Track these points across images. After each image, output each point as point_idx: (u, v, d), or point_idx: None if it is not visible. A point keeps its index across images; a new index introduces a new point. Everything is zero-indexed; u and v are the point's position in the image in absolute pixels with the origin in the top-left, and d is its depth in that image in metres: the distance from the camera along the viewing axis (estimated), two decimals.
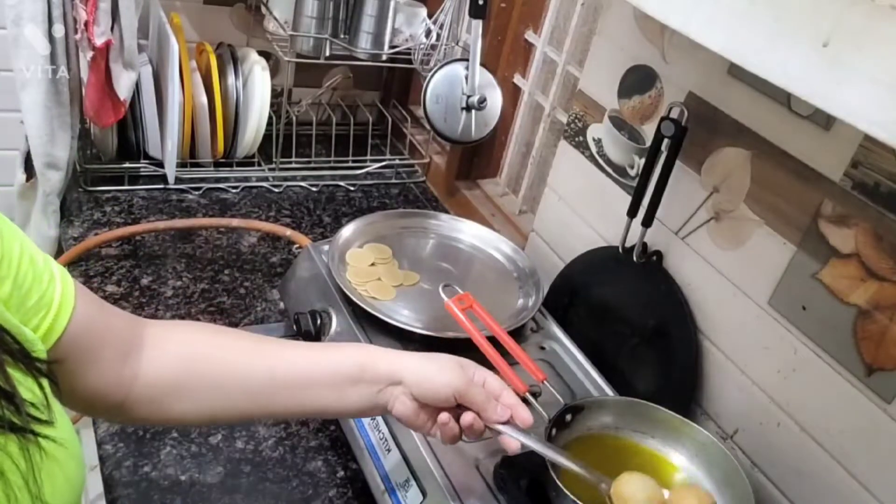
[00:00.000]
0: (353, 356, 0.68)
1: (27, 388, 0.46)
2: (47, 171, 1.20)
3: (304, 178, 1.49)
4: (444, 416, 0.67)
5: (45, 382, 0.47)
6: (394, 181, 1.58)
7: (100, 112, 1.24)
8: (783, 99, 0.82)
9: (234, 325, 1.11)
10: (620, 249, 1.01)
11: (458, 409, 0.68)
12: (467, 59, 1.34)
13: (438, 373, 0.67)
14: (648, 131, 1.00)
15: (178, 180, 1.36)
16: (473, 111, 1.38)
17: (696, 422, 0.83)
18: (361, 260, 1.03)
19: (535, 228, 1.24)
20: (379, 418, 0.84)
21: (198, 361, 0.62)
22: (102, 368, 0.57)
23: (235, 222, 1.30)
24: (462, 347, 0.87)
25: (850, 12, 0.43)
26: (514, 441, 0.68)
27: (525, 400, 0.80)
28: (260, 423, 0.95)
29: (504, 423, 0.68)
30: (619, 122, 1.05)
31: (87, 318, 0.54)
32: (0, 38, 1.17)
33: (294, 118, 1.52)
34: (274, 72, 1.45)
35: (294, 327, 0.97)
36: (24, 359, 0.45)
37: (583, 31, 1.27)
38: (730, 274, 0.90)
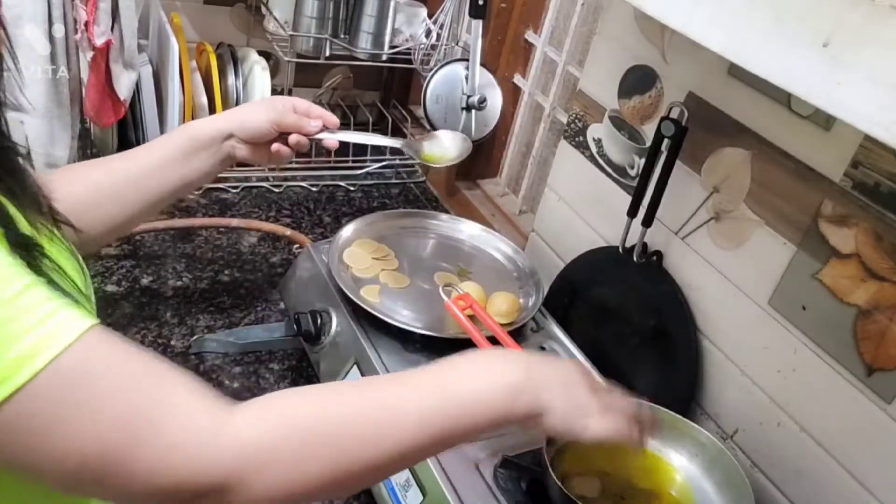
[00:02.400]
0: (180, 133, 0.85)
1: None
2: (47, 171, 1.20)
3: (304, 178, 1.49)
4: (274, 146, 0.87)
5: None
6: (394, 181, 1.58)
7: (100, 112, 1.24)
8: (783, 99, 0.82)
9: (235, 324, 1.11)
10: (620, 249, 1.01)
11: (282, 136, 0.87)
12: (467, 59, 1.34)
13: (255, 114, 0.85)
14: (648, 131, 1.00)
15: None
16: (473, 111, 1.38)
17: (696, 422, 0.83)
18: (362, 259, 1.03)
19: (535, 228, 1.24)
20: None
21: (99, 188, 0.79)
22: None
23: (235, 222, 1.30)
24: (462, 347, 0.87)
25: (850, 12, 0.43)
26: (333, 141, 0.90)
27: None
28: None
29: (321, 132, 0.89)
30: (619, 122, 1.05)
31: None
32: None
33: None
34: (274, 72, 1.45)
35: (294, 327, 0.97)
36: (45, 199, 0.57)
37: (583, 31, 1.27)
38: (730, 274, 0.90)
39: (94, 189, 0.78)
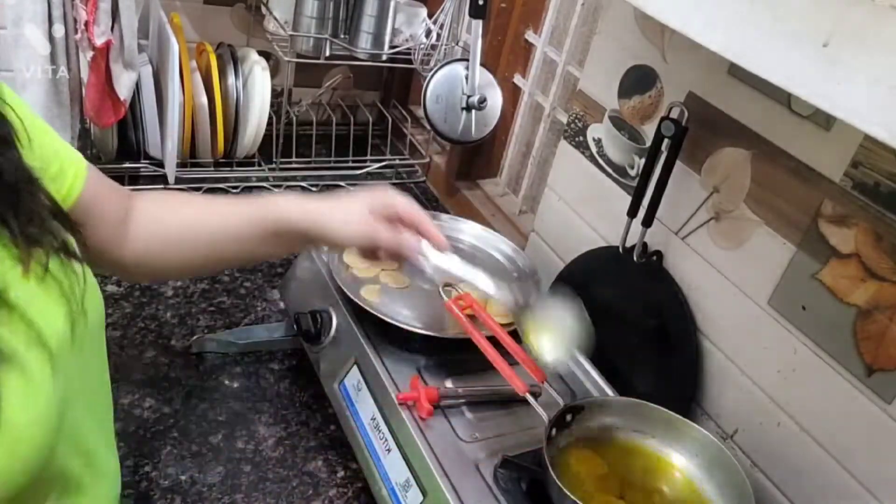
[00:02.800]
0: (269, 213, 0.76)
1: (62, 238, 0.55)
2: None
3: (304, 178, 1.49)
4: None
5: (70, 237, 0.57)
6: (394, 181, 1.58)
7: (100, 112, 1.24)
8: (783, 99, 0.82)
9: (235, 324, 1.11)
10: (620, 249, 1.01)
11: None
12: (467, 59, 1.34)
13: (344, 227, 0.74)
14: (648, 131, 1.00)
15: (178, 180, 1.36)
16: (473, 111, 1.38)
17: (696, 422, 0.83)
18: (361, 260, 1.03)
19: (535, 228, 1.24)
20: (379, 418, 0.84)
21: (165, 226, 0.75)
22: (103, 230, 0.67)
23: None
24: (462, 347, 0.87)
25: (850, 12, 0.43)
26: (429, 267, 0.76)
27: (525, 400, 0.80)
28: (260, 423, 0.95)
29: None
30: (619, 122, 1.05)
31: (94, 187, 0.64)
32: (0, 38, 1.17)
33: (294, 118, 1.52)
34: (274, 72, 1.45)
35: (294, 327, 0.97)
36: (62, 215, 0.55)
37: (583, 31, 1.27)
38: (730, 274, 0.90)
39: (179, 227, 0.75)
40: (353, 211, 0.75)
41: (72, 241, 0.56)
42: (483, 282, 0.76)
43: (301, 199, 0.76)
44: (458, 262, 0.76)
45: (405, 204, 0.76)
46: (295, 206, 0.75)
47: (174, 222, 0.75)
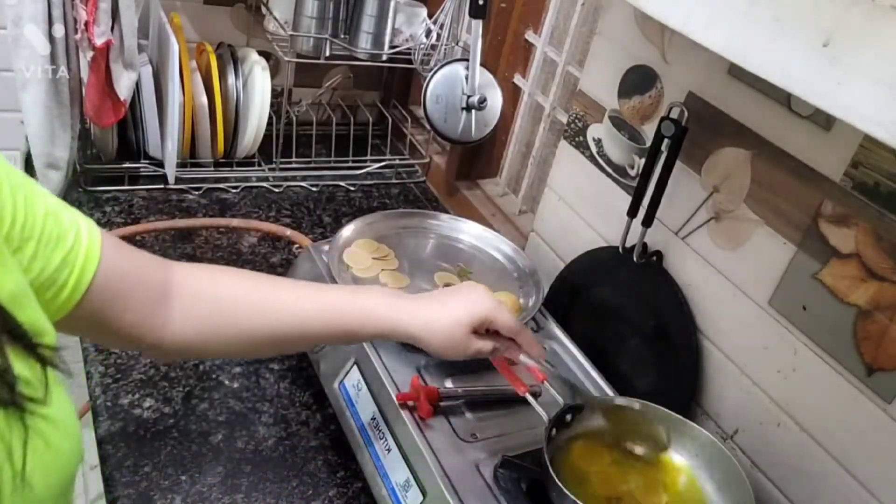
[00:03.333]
0: (370, 324, 0.71)
1: (29, 366, 0.46)
2: (47, 171, 1.20)
3: (304, 178, 1.49)
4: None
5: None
6: (394, 181, 1.58)
7: (100, 112, 1.24)
8: (783, 99, 0.82)
9: None
10: (620, 249, 1.01)
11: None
12: (467, 59, 1.34)
13: (441, 345, 0.72)
14: (648, 131, 1.00)
15: (178, 180, 1.36)
16: (473, 111, 1.38)
17: (696, 422, 0.83)
18: (362, 259, 1.03)
19: (535, 228, 1.24)
20: (379, 418, 0.84)
21: (224, 311, 0.67)
22: (134, 313, 0.61)
23: (235, 222, 1.30)
24: None
25: (850, 12, 0.43)
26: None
27: (525, 400, 0.80)
28: (260, 423, 0.95)
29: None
30: (619, 122, 1.05)
31: (114, 269, 0.57)
32: (0, 38, 1.17)
33: (294, 118, 1.52)
34: (274, 72, 1.45)
35: None
36: (25, 343, 0.46)
37: (583, 31, 1.27)
38: (730, 274, 0.90)
39: (239, 312, 0.67)
40: (448, 326, 0.72)
41: (39, 375, 0.46)
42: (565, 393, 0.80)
43: (388, 300, 0.72)
44: (550, 370, 0.80)
45: (506, 319, 0.75)
46: (384, 314, 0.71)
47: (236, 305, 0.67)
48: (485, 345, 0.74)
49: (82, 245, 0.55)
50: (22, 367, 0.45)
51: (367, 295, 0.73)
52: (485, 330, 0.75)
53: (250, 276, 0.74)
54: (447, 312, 0.72)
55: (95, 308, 0.56)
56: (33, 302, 0.49)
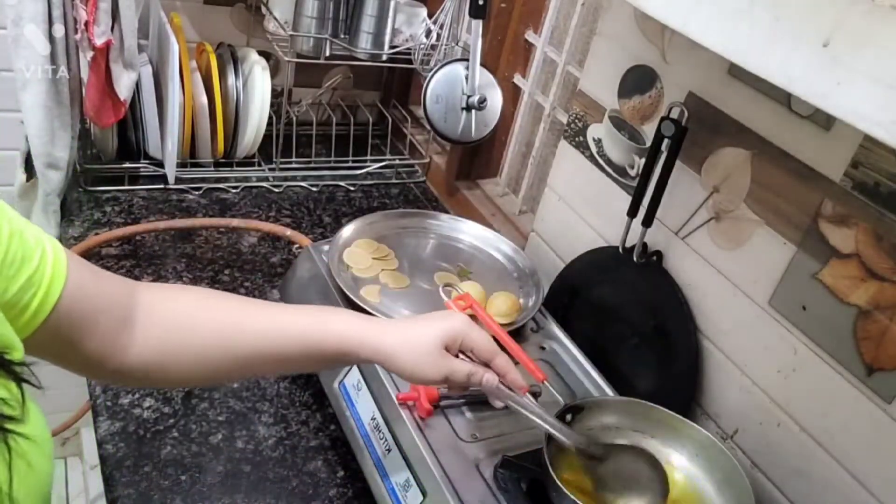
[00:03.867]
0: (334, 342, 0.68)
1: (2, 384, 0.46)
2: (47, 171, 1.20)
3: (304, 178, 1.49)
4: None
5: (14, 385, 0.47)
6: (394, 181, 1.58)
7: (100, 112, 1.24)
8: (783, 99, 0.82)
9: None
10: (620, 249, 1.01)
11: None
12: (467, 59, 1.34)
13: (415, 367, 0.68)
14: (648, 131, 1.00)
15: (178, 180, 1.36)
16: (473, 111, 1.38)
17: (696, 422, 0.83)
18: (362, 259, 1.03)
19: (535, 228, 1.24)
20: (379, 418, 0.84)
21: (184, 332, 0.64)
22: (99, 336, 0.58)
23: (235, 222, 1.30)
24: None
25: (850, 12, 0.43)
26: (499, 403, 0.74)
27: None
28: (260, 423, 0.95)
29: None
30: (619, 122, 1.05)
31: (79, 290, 0.55)
32: (0, 38, 1.17)
33: (294, 118, 1.52)
34: (274, 72, 1.45)
35: None
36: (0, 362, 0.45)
37: (583, 31, 1.27)
38: (730, 274, 0.90)
39: (205, 336, 0.64)
40: (424, 349, 0.68)
41: (15, 392, 0.46)
42: (551, 424, 0.73)
43: (360, 323, 0.69)
44: (530, 401, 0.74)
45: (482, 341, 0.71)
46: (357, 338, 0.67)
47: (200, 327, 0.64)
48: (460, 366, 0.70)
49: (48, 265, 0.53)
50: None
51: (335, 317, 0.70)
52: (459, 353, 0.72)
53: (217, 296, 0.70)
54: (418, 329, 0.69)
55: (59, 330, 0.55)
56: (0, 319, 0.48)
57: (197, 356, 0.64)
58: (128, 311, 0.61)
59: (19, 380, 0.47)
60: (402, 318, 0.74)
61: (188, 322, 0.64)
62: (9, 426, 0.44)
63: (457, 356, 0.71)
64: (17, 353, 0.49)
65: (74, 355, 0.58)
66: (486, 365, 0.72)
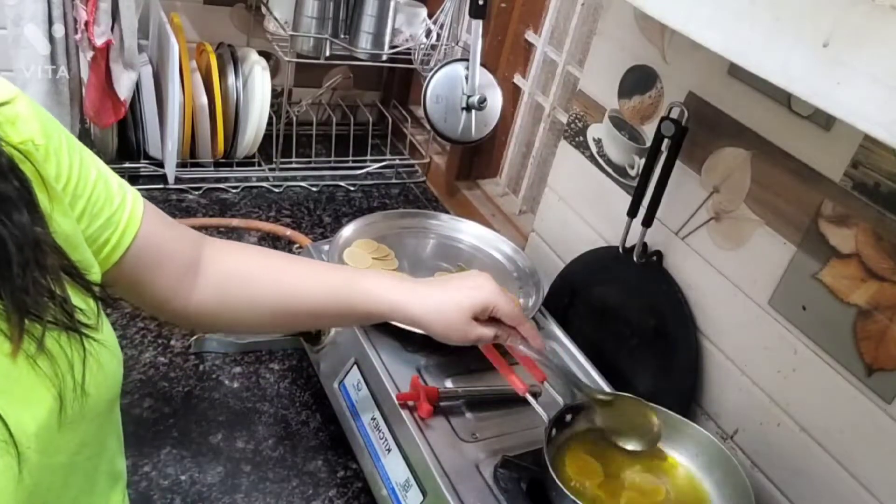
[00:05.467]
0: (362, 302, 0.73)
1: (82, 298, 0.53)
2: None
3: (304, 178, 1.49)
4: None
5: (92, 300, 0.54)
6: (394, 181, 1.58)
7: (100, 112, 1.24)
8: (783, 99, 0.82)
9: None
10: (620, 249, 1.01)
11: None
12: (467, 59, 1.34)
13: (440, 327, 0.73)
14: (648, 131, 1.00)
15: (178, 180, 1.36)
16: (473, 111, 1.38)
17: (696, 422, 0.83)
18: (362, 259, 1.03)
19: (535, 228, 1.24)
20: (379, 418, 0.84)
21: (239, 285, 0.72)
22: (165, 279, 0.66)
23: (235, 222, 1.31)
24: (462, 347, 0.87)
25: (850, 12, 0.43)
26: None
27: (525, 400, 0.80)
28: (260, 423, 0.95)
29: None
30: (619, 122, 1.05)
31: (152, 236, 0.63)
32: (0, 38, 1.17)
33: (294, 118, 1.52)
34: (274, 72, 1.45)
35: None
36: (80, 279, 0.52)
37: (583, 31, 1.27)
38: (730, 274, 0.90)
39: (255, 287, 0.72)
40: (454, 317, 0.73)
41: (92, 306, 0.53)
42: (570, 375, 0.81)
43: (390, 282, 0.74)
44: (549, 362, 0.80)
45: (508, 307, 0.75)
46: (386, 296, 0.72)
47: (251, 280, 0.72)
48: (486, 331, 0.75)
49: (125, 210, 0.60)
50: (77, 298, 0.52)
51: (370, 276, 0.75)
52: (488, 317, 0.76)
53: (270, 254, 0.81)
54: (448, 296, 0.74)
55: (131, 268, 0.61)
56: (83, 245, 0.55)
57: (249, 306, 0.72)
58: (193, 260, 0.69)
59: (94, 295, 0.53)
60: (436, 279, 0.79)
61: (245, 274, 0.72)
62: (85, 331, 0.51)
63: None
64: (95, 275, 0.56)
65: (143, 292, 0.66)
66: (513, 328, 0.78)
